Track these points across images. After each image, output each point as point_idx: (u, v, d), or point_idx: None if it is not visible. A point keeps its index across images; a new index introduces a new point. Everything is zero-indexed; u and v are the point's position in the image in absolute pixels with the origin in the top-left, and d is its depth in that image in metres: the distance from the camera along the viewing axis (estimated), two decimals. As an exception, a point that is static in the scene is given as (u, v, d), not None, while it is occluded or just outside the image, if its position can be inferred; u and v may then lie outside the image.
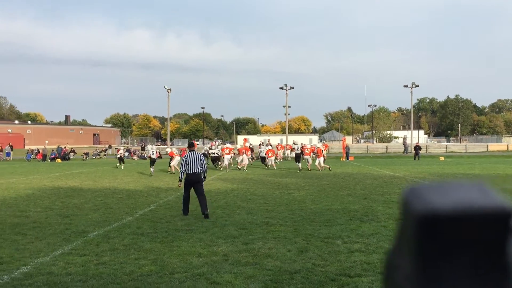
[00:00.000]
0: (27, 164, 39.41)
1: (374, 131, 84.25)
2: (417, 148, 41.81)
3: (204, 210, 10.38)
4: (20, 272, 6.26)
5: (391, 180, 19.47)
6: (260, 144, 34.04)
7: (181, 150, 28.97)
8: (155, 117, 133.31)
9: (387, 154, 55.32)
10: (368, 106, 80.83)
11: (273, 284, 5.63)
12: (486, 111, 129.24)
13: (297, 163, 26.82)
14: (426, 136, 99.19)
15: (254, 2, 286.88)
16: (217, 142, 36.41)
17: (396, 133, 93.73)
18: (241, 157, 29.13)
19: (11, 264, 6.67)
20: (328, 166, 25.77)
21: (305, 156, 27.50)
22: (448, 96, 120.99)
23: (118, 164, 31.12)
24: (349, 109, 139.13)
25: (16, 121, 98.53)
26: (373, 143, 75.69)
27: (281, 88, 62.91)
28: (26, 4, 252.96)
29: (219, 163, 28.69)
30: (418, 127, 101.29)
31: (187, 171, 10.79)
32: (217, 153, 29.53)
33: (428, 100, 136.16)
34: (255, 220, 9.93)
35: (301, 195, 14.43)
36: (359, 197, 13.75)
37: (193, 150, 11.19)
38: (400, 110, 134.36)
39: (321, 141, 72.01)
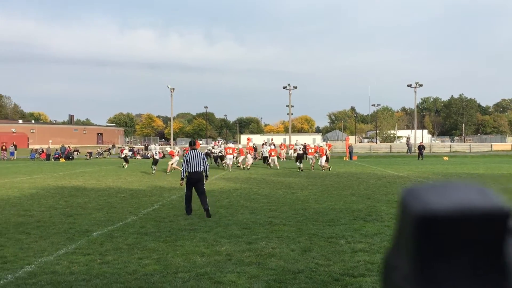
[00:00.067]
0: (31, 163, 39.53)
1: (377, 131, 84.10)
2: (421, 147, 41.74)
3: (205, 204, 10.43)
4: (24, 271, 6.28)
5: (395, 180, 19.42)
6: (263, 144, 34.02)
7: (184, 150, 29.00)
8: (158, 116, 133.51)
9: (391, 153, 55.23)
10: (372, 105, 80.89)
11: (277, 284, 5.63)
12: (490, 110, 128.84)
13: (297, 163, 26.75)
14: (430, 135, 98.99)
15: (257, 2, 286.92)
16: (220, 142, 36.44)
17: (399, 132, 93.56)
18: (242, 157, 29.17)
19: (15, 263, 6.69)
20: (328, 167, 25.73)
21: (309, 156, 27.51)
22: (452, 96, 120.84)
23: (124, 163, 31.20)
24: (353, 108, 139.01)
25: (20, 121, 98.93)
26: (376, 142, 75.55)
27: (284, 87, 62.83)
28: (29, 4, 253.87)
29: (223, 162, 28.71)
30: (422, 126, 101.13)
31: (188, 170, 10.81)
32: (220, 152, 29.56)
33: (432, 99, 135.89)
34: (259, 220, 9.92)
35: (304, 194, 14.41)
36: (362, 196, 13.72)
37: (195, 149, 11.21)
38: (403, 109, 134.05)
39: (324, 140, 71.94)
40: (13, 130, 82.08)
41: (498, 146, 62.45)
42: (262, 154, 30.79)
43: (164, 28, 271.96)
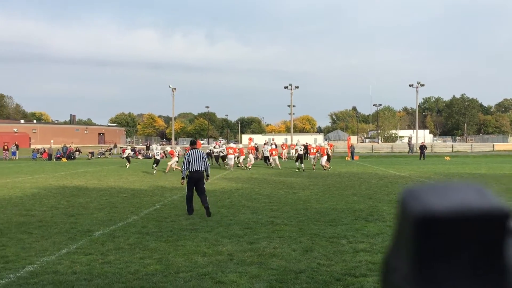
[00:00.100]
0: (32, 163, 39.59)
1: (379, 131, 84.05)
2: (423, 147, 41.69)
3: (205, 203, 10.47)
4: (26, 270, 6.28)
5: (397, 180, 19.41)
6: (264, 144, 34.04)
7: (185, 150, 28.99)
8: (160, 116, 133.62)
9: (392, 153, 55.19)
10: (373, 105, 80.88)
11: (278, 284, 5.62)
12: (492, 110, 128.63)
13: (297, 163, 26.72)
14: (431, 135, 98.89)
15: (258, 2, 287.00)
16: (222, 142, 36.45)
17: (401, 132, 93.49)
18: (242, 157, 29.20)
19: (17, 262, 6.69)
20: (328, 167, 25.72)
21: (310, 156, 27.50)
22: (454, 96, 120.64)
23: (127, 163, 31.27)
24: (354, 108, 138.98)
25: (22, 121, 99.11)
26: (378, 142, 75.52)
27: (286, 87, 62.82)
28: (30, 4, 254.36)
29: (224, 162, 28.72)
30: (423, 126, 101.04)
31: (189, 169, 10.83)
32: (221, 152, 29.60)
33: (433, 99, 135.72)
34: (260, 220, 9.92)
35: (306, 194, 14.41)
36: (364, 196, 13.71)
37: (195, 148, 11.22)
38: (405, 109, 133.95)
39: (325, 140, 71.90)
40: (15, 130, 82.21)
41: (500, 146, 62.37)
42: (263, 154, 30.80)
43: (166, 28, 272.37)
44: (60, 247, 7.62)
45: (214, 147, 31.20)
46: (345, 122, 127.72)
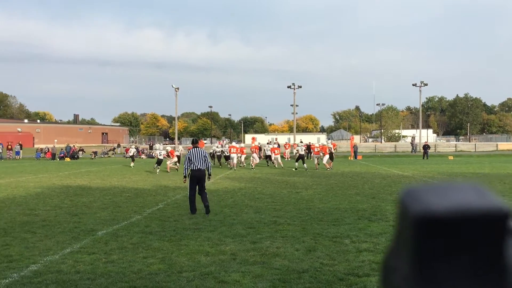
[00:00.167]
0: (36, 162, 39.71)
1: (382, 130, 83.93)
2: (426, 147, 41.60)
3: (205, 201, 10.54)
4: (29, 270, 6.30)
5: (400, 179, 19.37)
6: (268, 143, 34.04)
7: (188, 149, 29.00)
8: (163, 116, 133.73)
9: (396, 153, 55.08)
10: (377, 105, 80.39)
11: (281, 283, 5.62)
12: (496, 110, 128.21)
13: (296, 163, 26.69)
14: (435, 135, 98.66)
15: (262, 1, 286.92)
16: (225, 141, 36.43)
17: (404, 132, 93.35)
18: (243, 156, 29.23)
19: (21, 262, 6.71)
20: (328, 167, 25.69)
21: (314, 155, 27.49)
22: (457, 95, 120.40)
23: (132, 162, 31.44)
24: (357, 108, 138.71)
25: (26, 120, 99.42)
26: (381, 142, 75.38)
27: (288, 87, 62.76)
28: (34, 4, 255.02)
29: (227, 162, 28.74)
30: (427, 126, 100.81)
31: (191, 168, 10.86)
32: (222, 151, 29.62)
33: (437, 98, 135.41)
34: (263, 219, 9.92)
35: (309, 194, 14.40)
36: (367, 196, 13.70)
37: (197, 147, 11.27)
38: (408, 109, 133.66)
39: (329, 140, 72.01)
40: (19, 129, 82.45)
41: (503, 145, 62.15)
42: (265, 153, 30.84)
43: (170, 28, 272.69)
44: (64, 246, 7.64)
45: (217, 147, 31.23)
46: (348, 121, 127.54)
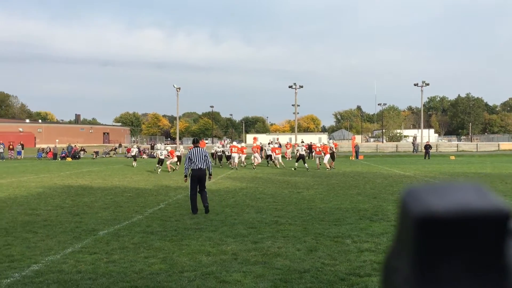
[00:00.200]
0: (38, 162, 39.76)
1: (383, 130, 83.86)
2: (428, 147, 41.56)
3: (205, 202, 10.63)
4: (31, 270, 6.31)
5: (401, 179, 19.36)
6: (269, 143, 34.04)
7: (189, 149, 29.02)
8: (164, 116, 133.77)
9: (397, 153, 55.03)
10: (378, 104, 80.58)
11: (282, 283, 5.62)
12: (497, 109, 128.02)
13: (296, 163, 26.68)
14: (436, 135, 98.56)
15: (262, 1, 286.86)
16: (226, 141, 36.41)
17: (406, 132, 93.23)
18: (243, 156, 29.24)
19: (22, 262, 6.72)
20: (329, 167, 25.69)
21: (316, 155, 27.49)
22: (459, 95, 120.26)
23: (134, 162, 31.64)
24: (359, 108, 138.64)
25: (27, 120, 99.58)
26: (382, 142, 75.33)
27: (290, 87, 62.70)
28: (34, 4, 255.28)
29: (229, 161, 28.75)
30: (428, 126, 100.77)
31: (191, 167, 10.91)
32: (223, 151, 29.62)
33: (438, 98, 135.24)
34: (264, 219, 9.92)
35: (310, 194, 14.39)
36: (369, 196, 13.69)
37: (198, 147, 11.31)
38: (410, 108, 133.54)
39: (330, 139, 72.03)
40: (20, 129, 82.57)
41: (505, 145, 62.04)
42: (265, 152, 30.86)
43: (171, 28, 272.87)
44: (65, 246, 7.64)
45: (218, 147, 31.24)
46: (349, 121, 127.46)
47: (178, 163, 27.15)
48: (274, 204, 12.15)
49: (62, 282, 5.76)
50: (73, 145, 49.86)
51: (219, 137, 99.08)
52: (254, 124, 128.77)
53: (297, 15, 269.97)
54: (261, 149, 32.78)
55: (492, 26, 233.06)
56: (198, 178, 10.84)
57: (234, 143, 30.66)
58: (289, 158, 39.30)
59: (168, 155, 26.49)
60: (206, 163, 11.02)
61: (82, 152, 50.34)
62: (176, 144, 58.44)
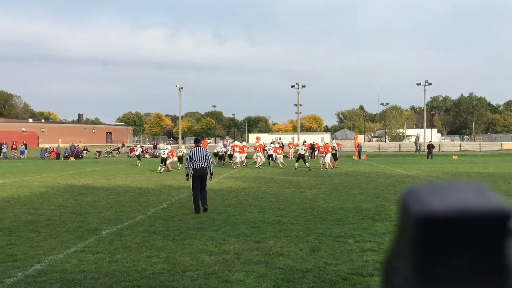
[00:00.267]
0: (41, 162, 39.85)
1: (386, 130, 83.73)
2: (430, 146, 41.47)
3: (204, 204, 10.76)
4: (34, 269, 6.33)
5: (404, 179, 19.33)
6: (271, 143, 34.05)
7: (191, 148, 29.06)
8: (167, 115, 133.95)
9: (400, 152, 54.91)
10: (381, 104, 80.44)
11: (285, 283, 5.62)
12: (500, 109, 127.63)
13: (297, 163, 26.63)
14: (439, 134, 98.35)
15: (262, 1, 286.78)
16: (228, 141, 36.42)
17: (409, 131, 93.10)
18: (244, 155, 29.27)
19: (25, 261, 6.74)
20: (329, 167, 25.65)
21: (319, 154, 27.50)
22: (462, 94, 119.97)
23: (138, 161, 31.75)
24: (361, 107, 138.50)
25: (30, 120, 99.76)
26: (385, 141, 75.23)
27: (292, 86, 62.71)
28: (37, 4, 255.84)
29: (231, 161, 28.76)
30: (431, 125, 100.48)
31: (193, 166, 10.99)
32: (224, 151, 29.62)
33: (441, 98, 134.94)
34: (267, 219, 9.92)
35: (312, 193, 14.39)
36: (371, 196, 13.67)
37: (199, 146, 11.36)
38: (413, 108, 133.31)
39: (333, 139, 71.91)
40: (24, 129, 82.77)
41: (508, 145, 61.82)
42: (267, 152, 30.87)
43: (174, 27, 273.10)
44: (68, 245, 7.66)
45: (220, 147, 31.25)
46: (352, 121, 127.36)
47: (179, 163, 27.19)
48: (276, 204, 12.16)
49: (65, 281, 5.78)
50: (76, 144, 49.94)
51: (222, 137, 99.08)
52: (257, 124, 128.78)
53: (297, 15, 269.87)
54: (264, 148, 32.81)
55: (492, 26, 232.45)
56: (199, 177, 10.90)
57: (236, 143, 30.69)
58: (291, 157, 39.29)
59: (169, 155, 26.52)
60: (207, 163, 11.09)
61: (85, 152, 50.41)
62: (178, 143, 58.50)
